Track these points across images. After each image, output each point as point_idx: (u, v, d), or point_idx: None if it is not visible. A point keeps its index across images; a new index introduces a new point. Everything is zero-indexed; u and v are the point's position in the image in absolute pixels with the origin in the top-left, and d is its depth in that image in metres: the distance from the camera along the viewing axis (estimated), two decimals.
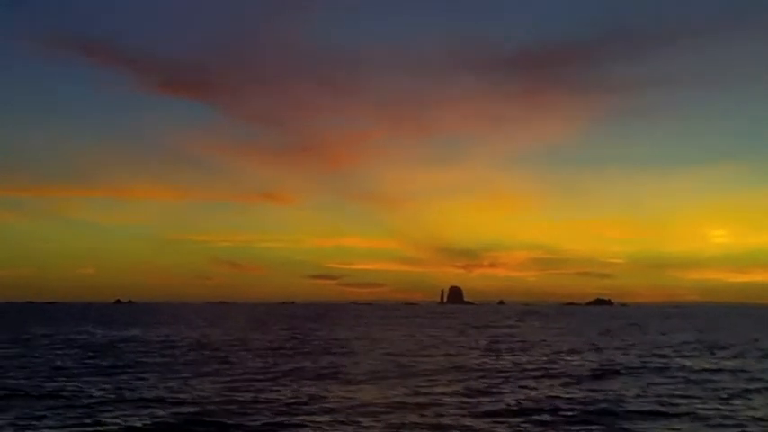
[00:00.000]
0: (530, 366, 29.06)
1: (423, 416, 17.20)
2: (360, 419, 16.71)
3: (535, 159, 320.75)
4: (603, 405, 19.06)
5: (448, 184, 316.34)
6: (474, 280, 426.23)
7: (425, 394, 20.66)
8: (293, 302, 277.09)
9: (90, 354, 35.20)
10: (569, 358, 32.68)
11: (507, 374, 26.17)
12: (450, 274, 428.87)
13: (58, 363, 30.12)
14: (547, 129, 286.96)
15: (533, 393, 21.22)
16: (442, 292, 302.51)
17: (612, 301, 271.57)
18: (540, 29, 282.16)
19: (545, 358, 32.76)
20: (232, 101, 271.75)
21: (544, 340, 48.02)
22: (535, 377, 25.45)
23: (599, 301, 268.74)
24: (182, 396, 20.10)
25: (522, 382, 23.79)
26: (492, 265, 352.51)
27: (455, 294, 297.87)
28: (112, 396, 20.06)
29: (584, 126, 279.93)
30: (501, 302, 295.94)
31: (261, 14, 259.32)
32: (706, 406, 19.15)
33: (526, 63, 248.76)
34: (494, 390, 21.90)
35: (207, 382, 23.46)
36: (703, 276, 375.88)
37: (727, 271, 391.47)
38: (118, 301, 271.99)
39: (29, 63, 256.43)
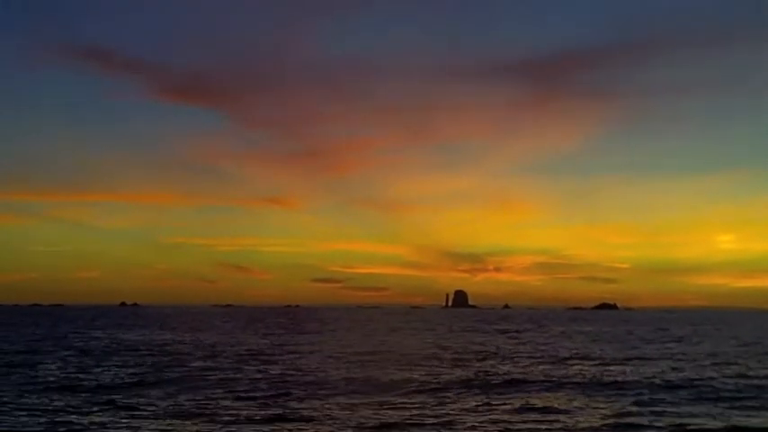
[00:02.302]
0: (614, 375, 28.38)
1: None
2: None
3: (541, 166, 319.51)
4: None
5: (453, 191, 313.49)
6: (478, 284, 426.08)
7: (546, 409, 20.25)
8: (297, 305, 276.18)
9: (153, 359, 34.53)
10: (643, 370, 31.66)
11: (605, 385, 25.46)
12: (453, 279, 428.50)
13: (135, 370, 29.63)
14: (553, 136, 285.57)
15: (669, 408, 20.66)
16: (447, 295, 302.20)
17: (618, 305, 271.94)
18: (550, 35, 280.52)
19: (615, 367, 32.06)
20: (238, 107, 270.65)
21: (587, 347, 47.37)
22: (635, 388, 24.74)
23: (604, 306, 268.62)
24: (327, 416, 18.93)
25: (633, 394, 23.21)
26: (497, 270, 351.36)
27: (460, 298, 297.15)
28: (252, 412, 19.21)
29: (590, 133, 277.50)
30: (506, 306, 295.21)
31: (268, 22, 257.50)
32: None
33: (534, 70, 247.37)
34: (618, 404, 21.32)
35: (309, 394, 22.79)
36: (709, 281, 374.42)
37: (733, 276, 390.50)
38: (123, 304, 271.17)
39: (36, 70, 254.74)
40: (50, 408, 19.80)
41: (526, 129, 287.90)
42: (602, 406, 20.86)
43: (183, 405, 20.38)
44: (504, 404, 21.02)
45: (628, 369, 31.51)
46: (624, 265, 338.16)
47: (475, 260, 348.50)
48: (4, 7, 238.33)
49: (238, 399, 21.80)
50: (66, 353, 39.02)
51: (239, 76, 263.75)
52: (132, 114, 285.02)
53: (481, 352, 41.74)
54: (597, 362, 35.18)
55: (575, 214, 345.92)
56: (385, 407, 20.42)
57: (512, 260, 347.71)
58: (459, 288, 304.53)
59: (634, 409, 20.36)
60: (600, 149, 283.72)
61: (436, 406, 20.81)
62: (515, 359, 36.58)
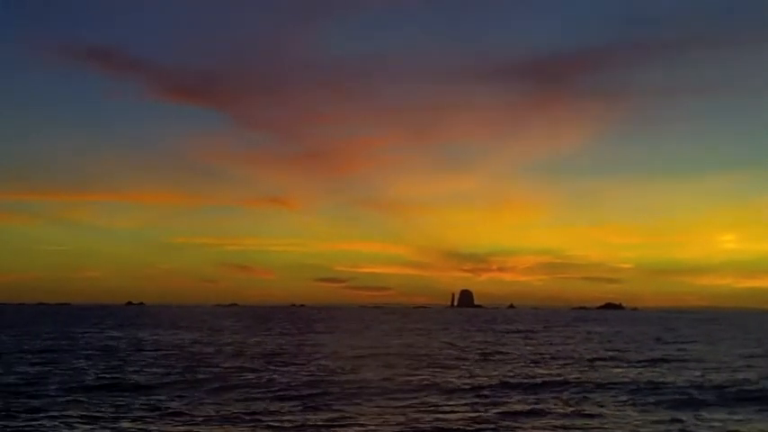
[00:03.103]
0: (650, 377, 27.76)
1: None
2: None
3: (543, 167, 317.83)
4: None
5: (456, 191, 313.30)
6: (482, 284, 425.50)
7: (599, 415, 19.85)
8: (302, 305, 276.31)
9: (179, 359, 33.84)
10: (677, 371, 31.34)
11: (646, 387, 24.99)
12: (456, 278, 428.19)
13: (166, 370, 29.05)
14: (555, 136, 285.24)
15: (723, 414, 20.39)
16: (453, 295, 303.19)
17: (623, 305, 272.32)
18: (550, 36, 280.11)
19: (646, 369, 31.57)
20: (241, 108, 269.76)
21: (607, 348, 47.05)
22: (679, 390, 24.43)
23: (610, 306, 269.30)
24: (381, 420, 18.48)
25: (679, 396, 22.89)
26: (501, 270, 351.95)
27: (466, 298, 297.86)
28: (304, 416, 18.89)
29: (592, 133, 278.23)
30: (511, 306, 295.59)
31: (270, 22, 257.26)
32: None
33: (535, 70, 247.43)
34: (668, 407, 21.00)
35: (351, 395, 22.38)
36: (711, 282, 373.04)
37: (735, 276, 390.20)
38: (129, 303, 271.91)
39: (38, 71, 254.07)
40: (98, 413, 19.38)
41: (528, 129, 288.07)
42: (654, 410, 20.58)
43: (229, 408, 20.05)
44: (554, 408, 20.70)
45: (661, 371, 31.22)
46: (627, 266, 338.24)
47: (478, 260, 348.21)
48: (4, 7, 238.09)
49: (282, 400, 21.55)
50: (89, 352, 38.78)
51: (239, 77, 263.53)
52: (132, 114, 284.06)
53: (505, 353, 41.46)
54: (625, 363, 34.86)
55: (577, 215, 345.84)
56: (434, 409, 20.15)
57: (515, 260, 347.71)
58: (463, 288, 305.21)
59: (688, 413, 20.06)
60: (602, 150, 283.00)
61: (483, 408, 20.53)
62: (542, 361, 36.25)
